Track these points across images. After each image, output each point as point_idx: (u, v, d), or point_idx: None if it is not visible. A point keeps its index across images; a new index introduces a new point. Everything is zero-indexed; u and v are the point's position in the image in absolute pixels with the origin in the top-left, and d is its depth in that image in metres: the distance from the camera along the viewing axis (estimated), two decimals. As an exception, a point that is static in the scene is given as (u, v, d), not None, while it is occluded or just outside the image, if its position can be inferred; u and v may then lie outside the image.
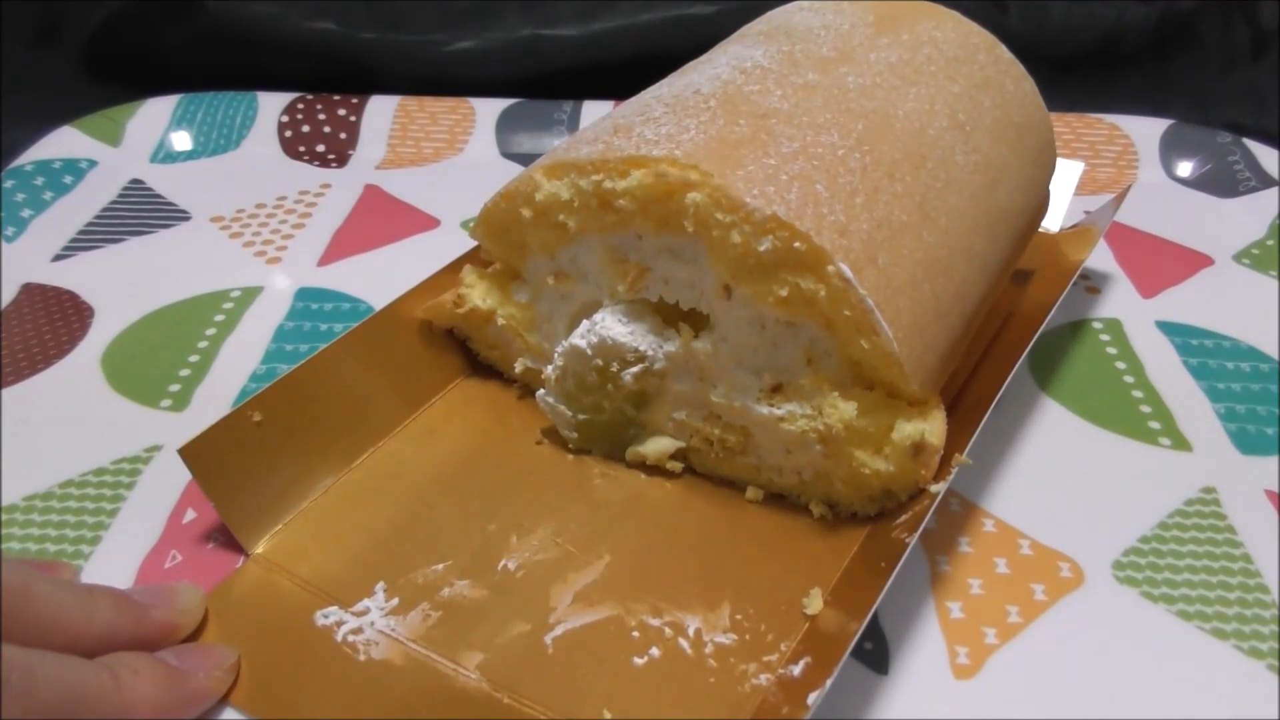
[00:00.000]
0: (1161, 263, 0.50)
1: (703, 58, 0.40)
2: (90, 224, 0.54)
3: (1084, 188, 0.54)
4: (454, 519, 0.34)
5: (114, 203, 0.56)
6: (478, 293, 0.39)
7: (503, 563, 0.33)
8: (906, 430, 0.31)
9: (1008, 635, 0.31)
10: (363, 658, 0.30)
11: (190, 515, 0.35)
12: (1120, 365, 0.43)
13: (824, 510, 0.34)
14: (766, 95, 0.33)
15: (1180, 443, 0.39)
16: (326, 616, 0.31)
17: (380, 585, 0.32)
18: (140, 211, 0.55)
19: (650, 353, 0.34)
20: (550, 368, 0.36)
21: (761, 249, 0.30)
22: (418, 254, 0.51)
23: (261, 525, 0.34)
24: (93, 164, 0.59)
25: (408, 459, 0.37)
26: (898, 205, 0.32)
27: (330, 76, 0.66)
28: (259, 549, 0.33)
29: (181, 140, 0.62)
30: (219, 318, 0.46)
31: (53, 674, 0.24)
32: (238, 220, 0.54)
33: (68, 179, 0.57)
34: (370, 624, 0.31)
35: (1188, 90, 0.66)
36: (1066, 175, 0.50)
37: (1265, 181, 0.56)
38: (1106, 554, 0.34)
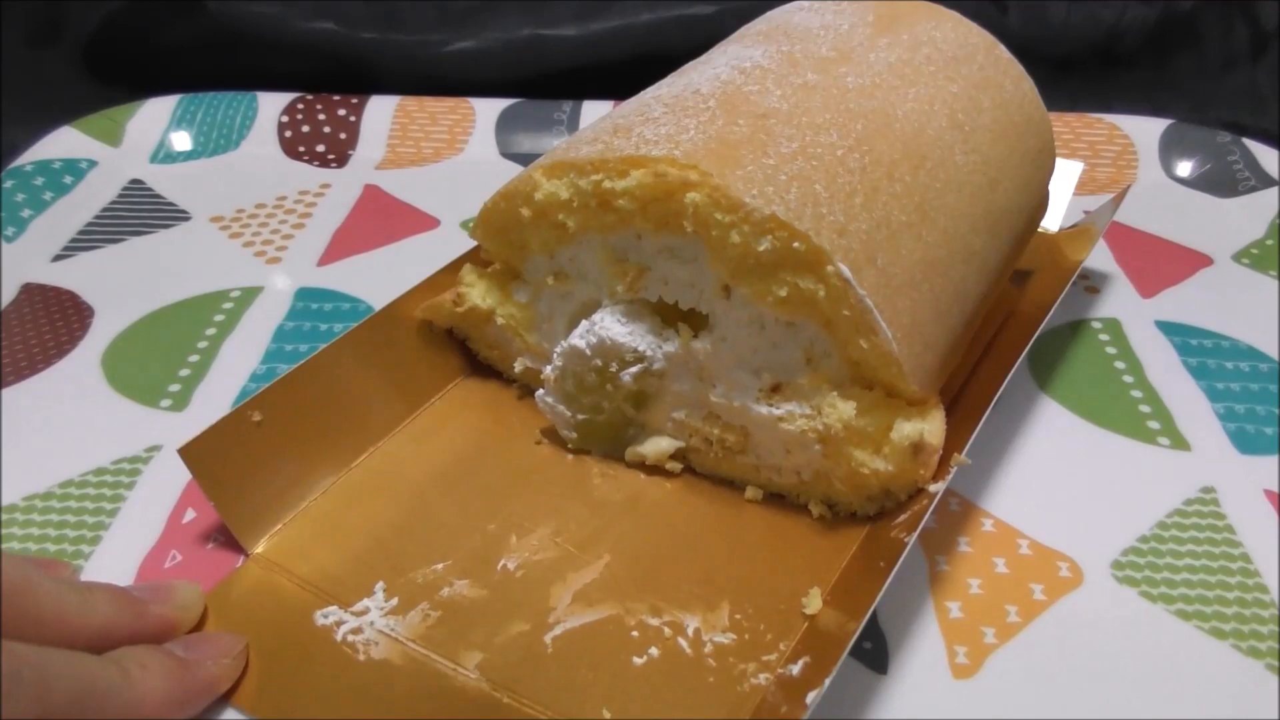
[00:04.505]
0: (1161, 262, 0.50)
1: (702, 58, 0.40)
2: (90, 224, 0.54)
3: (1083, 187, 0.54)
4: (454, 519, 0.35)
5: (114, 203, 0.56)
6: (477, 292, 0.39)
7: (502, 562, 0.33)
8: (905, 430, 0.31)
9: (1007, 635, 0.31)
10: (362, 657, 0.30)
11: (190, 515, 0.35)
12: (1119, 365, 0.43)
13: (823, 510, 0.34)
14: (766, 95, 0.34)
15: (1179, 442, 0.39)
16: (326, 616, 0.31)
17: (380, 585, 0.32)
18: (140, 211, 0.55)
19: (649, 353, 0.34)
20: (549, 368, 0.36)
21: (761, 249, 0.30)
22: (418, 254, 0.51)
23: (261, 525, 0.34)
24: (93, 164, 0.59)
25: (407, 459, 0.37)
26: (897, 205, 0.32)
27: (330, 76, 0.66)
28: (259, 549, 0.33)
29: (181, 140, 0.62)
30: (219, 318, 0.46)
31: (63, 670, 0.24)
32: (238, 220, 0.54)
33: (68, 179, 0.57)
34: (370, 624, 0.31)
35: (1187, 90, 0.66)
36: (1066, 175, 0.50)
37: (1265, 181, 0.56)
38: (1105, 553, 0.34)
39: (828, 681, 0.25)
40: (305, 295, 0.48)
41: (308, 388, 0.36)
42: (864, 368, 0.31)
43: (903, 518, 0.32)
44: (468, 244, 0.40)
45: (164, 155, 0.61)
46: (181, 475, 0.35)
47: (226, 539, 0.34)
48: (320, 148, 0.62)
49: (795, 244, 0.29)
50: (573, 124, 0.63)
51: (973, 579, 0.33)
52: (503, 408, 0.40)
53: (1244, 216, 0.54)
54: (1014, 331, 0.40)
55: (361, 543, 0.34)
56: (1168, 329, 0.45)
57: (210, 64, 0.68)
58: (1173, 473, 0.37)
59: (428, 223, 0.54)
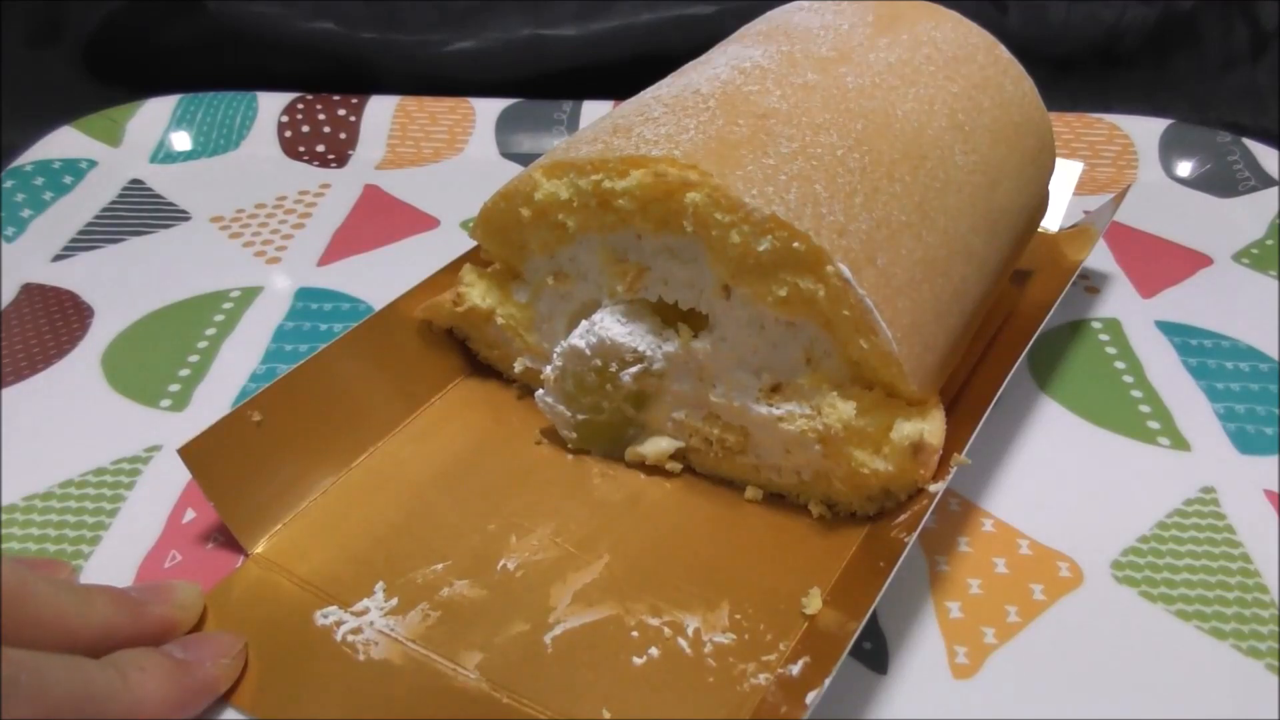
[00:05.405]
0: (1161, 262, 0.50)
1: (702, 58, 0.40)
2: (90, 224, 0.54)
3: (1083, 187, 0.54)
4: (454, 519, 0.35)
5: (114, 203, 0.56)
6: (477, 292, 0.39)
7: (502, 562, 0.33)
8: (905, 430, 0.31)
9: (1007, 635, 0.31)
10: (362, 658, 0.30)
11: (190, 515, 0.35)
12: (1119, 365, 0.43)
13: (823, 510, 0.34)
14: (765, 95, 0.34)
15: (1179, 442, 0.39)
16: (326, 616, 0.31)
17: (380, 585, 0.32)
18: (140, 211, 0.55)
19: (649, 353, 0.34)
20: (549, 368, 0.36)
21: (761, 249, 0.30)
22: (418, 254, 0.51)
23: (261, 525, 0.34)
24: (93, 164, 0.59)
25: (407, 459, 0.37)
26: (896, 205, 0.32)
27: (330, 76, 0.66)
28: (259, 549, 0.33)
29: (181, 140, 0.62)
30: (219, 318, 0.46)
31: (61, 676, 0.24)
32: (238, 220, 0.54)
33: (68, 179, 0.57)
34: (370, 624, 0.31)
35: (1187, 90, 0.66)
36: (1066, 175, 0.50)
37: (1265, 181, 0.56)
38: (1105, 554, 0.34)
39: (828, 681, 0.25)
40: (305, 295, 0.48)
41: (308, 388, 0.36)
42: (864, 368, 0.31)
43: (903, 518, 0.32)
44: (468, 244, 0.40)
45: (164, 155, 0.61)
46: (181, 475, 0.35)
47: (226, 539, 0.34)
48: (320, 148, 0.62)
49: (795, 244, 0.29)
50: (573, 124, 0.63)
51: (973, 579, 0.33)
52: (503, 408, 0.40)
53: (1244, 216, 0.54)
54: (1014, 331, 0.40)
55: (361, 543, 0.34)
56: (1168, 329, 0.45)
57: (210, 64, 0.68)
58: (1173, 473, 0.37)
59: (428, 223, 0.54)
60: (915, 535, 0.29)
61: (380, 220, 0.55)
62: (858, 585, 0.30)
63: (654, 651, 0.30)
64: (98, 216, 0.55)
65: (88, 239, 0.53)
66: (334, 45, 0.67)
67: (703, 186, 0.30)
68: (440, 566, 0.33)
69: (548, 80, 0.67)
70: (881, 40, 0.38)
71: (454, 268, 0.40)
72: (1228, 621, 0.31)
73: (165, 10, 0.67)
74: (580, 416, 0.36)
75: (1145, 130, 0.60)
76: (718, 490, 0.36)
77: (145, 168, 0.60)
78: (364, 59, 0.67)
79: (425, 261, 0.41)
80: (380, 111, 0.64)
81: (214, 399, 0.41)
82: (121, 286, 0.48)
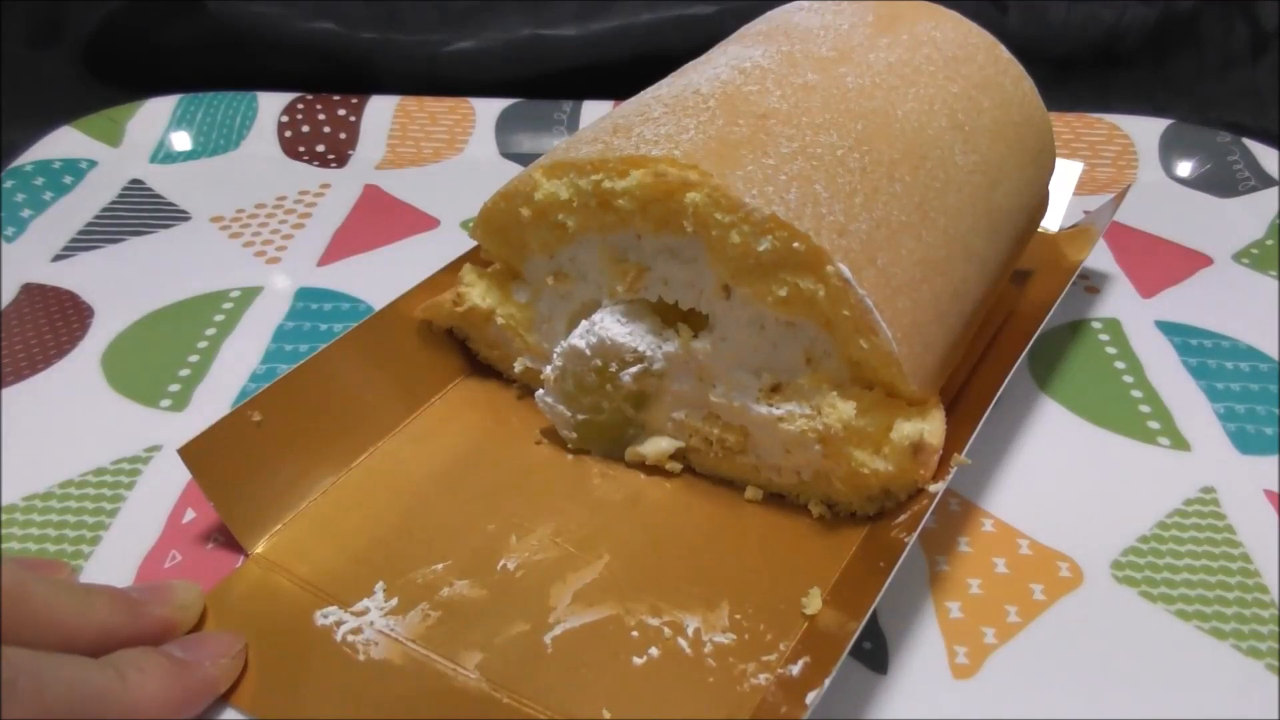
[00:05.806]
0: (1161, 262, 0.50)
1: (702, 58, 0.40)
2: (90, 224, 0.54)
3: (1083, 187, 0.54)
4: (454, 519, 0.35)
5: (114, 203, 0.56)
6: (477, 292, 0.39)
7: (502, 562, 0.33)
8: (905, 430, 0.31)
9: (1007, 635, 0.31)
10: (362, 658, 0.30)
11: (190, 515, 0.35)
12: (1119, 365, 0.43)
13: (823, 510, 0.34)
14: (765, 95, 0.34)
15: (1179, 442, 0.39)
16: (326, 616, 0.31)
17: (380, 585, 0.32)
18: (140, 211, 0.55)
19: (649, 353, 0.34)
20: (549, 368, 0.36)
21: (761, 249, 0.30)
22: (418, 254, 0.51)
23: (261, 525, 0.34)
24: (93, 164, 0.59)
25: (407, 459, 0.37)
26: (897, 205, 0.32)
27: (330, 76, 0.66)
28: (259, 549, 0.33)
29: (181, 140, 0.62)
30: (219, 318, 0.46)
31: (60, 676, 0.24)
32: (238, 220, 0.54)
33: (68, 179, 0.57)
34: (370, 624, 0.31)
35: (1187, 90, 0.66)
36: (1066, 175, 0.50)
37: (1265, 181, 0.56)
38: (1105, 554, 0.34)
39: (828, 681, 0.25)
40: (305, 295, 0.48)
41: (308, 388, 0.36)
42: (864, 368, 0.31)
43: (903, 518, 0.32)
44: (468, 244, 0.40)
45: (164, 155, 0.61)
46: (181, 475, 0.35)
47: (226, 539, 0.34)
48: (320, 148, 0.62)
49: (795, 244, 0.29)
50: (573, 124, 0.63)
51: (973, 579, 0.33)
52: (503, 408, 0.40)
53: (1244, 216, 0.54)
54: (1014, 331, 0.40)
55: (361, 543, 0.34)
56: (1168, 329, 0.45)
57: (210, 64, 0.68)
58: (1173, 473, 0.37)
59: (428, 223, 0.54)
60: (915, 535, 0.29)
61: (380, 220, 0.55)
62: (858, 585, 0.30)
63: (654, 651, 0.30)
64: (98, 216, 0.55)
65: (88, 239, 0.53)
66: (334, 45, 0.67)
67: (703, 186, 0.30)
68: (440, 566, 0.33)
69: (548, 80, 0.67)
70: (881, 40, 0.38)
71: (454, 268, 0.40)
72: (1228, 621, 0.31)
73: (165, 10, 0.67)
74: (580, 416, 0.36)
75: (1145, 130, 0.60)
76: (718, 490, 0.36)
77: (145, 168, 0.60)
78: (364, 59, 0.67)
79: (425, 261, 0.41)
80: (380, 111, 0.64)
81: (214, 399, 0.41)
82: (121, 286, 0.48)
